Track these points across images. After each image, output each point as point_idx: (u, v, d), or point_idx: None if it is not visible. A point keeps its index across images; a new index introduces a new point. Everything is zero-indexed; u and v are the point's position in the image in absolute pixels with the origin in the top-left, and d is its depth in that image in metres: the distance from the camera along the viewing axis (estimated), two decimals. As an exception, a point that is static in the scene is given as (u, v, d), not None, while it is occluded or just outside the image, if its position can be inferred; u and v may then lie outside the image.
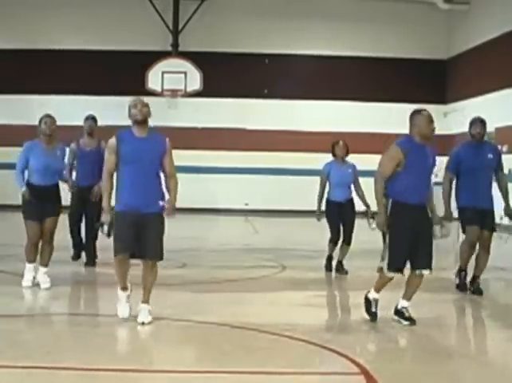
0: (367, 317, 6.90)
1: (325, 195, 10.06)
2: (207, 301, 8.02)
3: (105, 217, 6.64)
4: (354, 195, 10.01)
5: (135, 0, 20.51)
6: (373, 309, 6.87)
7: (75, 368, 5.17)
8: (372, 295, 6.90)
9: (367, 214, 9.43)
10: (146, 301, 6.67)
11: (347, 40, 21.15)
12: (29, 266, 8.42)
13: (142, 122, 6.57)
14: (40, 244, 8.45)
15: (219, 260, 11.34)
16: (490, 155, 8.41)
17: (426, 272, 6.78)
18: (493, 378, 5.36)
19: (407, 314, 6.81)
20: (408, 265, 6.79)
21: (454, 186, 8.49)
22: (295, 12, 20.95)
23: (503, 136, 17.15)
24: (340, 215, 9.91)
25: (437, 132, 21.05)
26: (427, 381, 5.34)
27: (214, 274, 9.87)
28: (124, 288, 6.75)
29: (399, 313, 6.87)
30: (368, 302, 6.91)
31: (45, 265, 8.44)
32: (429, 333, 6.68)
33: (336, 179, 9.91)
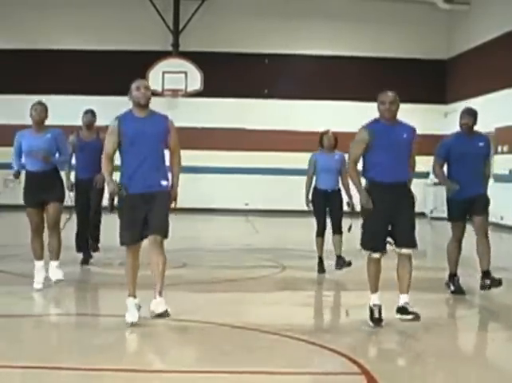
0: (367, 317, 6.89)
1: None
2: (207, 301, 8.01)
3: (111, 187, 6.54)
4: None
5: (136, 0, 20.52)
6: (376, 315, 6.73)
7: (75, 368, 5.17)
8: (372, 301, 6.78)
9: (348, 205, 9.39)
10: (159, 292, 6.60)
11: (347, 40, 21.16)
12: (38, 265, 8.21)
13: (144, 105, 6.62)
14: (46, 239, 8.32)
15: (219, 260, 11.33)
16: (481, 143, 8.37)
17: (406, 251, 6.72)
18: (493, 379, 5.35)
19: (410, 309, 6.73)
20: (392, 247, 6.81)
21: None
22: (295, 12, 20.95)
23: (503, 136, 17.15)
24: (325, 204, 9.76)
25: (437, 132, 21.01)
26: (427, 381, 5.34)
27: (214, 274, 9.86)
28: (133, 295, 6.64)
29: (402, 309, 6.75)
30: (370, 310, 6.79)
31: (56, 258, 8.31)
32: (429, 333, 6.67)
33: (322, 164, 9.78)
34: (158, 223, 6.56)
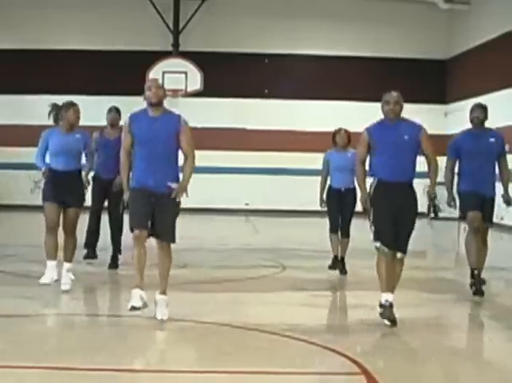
0: (367, 317, 6.87)
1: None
2: (207, 301, 8.01)
3: (126, 195, 6.68)
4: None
5: (136, 0, 20.52)
6: (387, 314, 6.64)
7: (75, 368, 5.17)
8: (384, 298, 6.68)
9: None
10: (163, 291, 6.62)
11: (347, 40, 21.16)
12: (49, 264, 8.13)
13: (156, 104, 6.69)
14: (63, 238, 8.24)
15: (219, 260, 11.32)
16: (492, 139, 8.19)
17: (399, 255, 6.74)
18: (493, 379, 5.36)
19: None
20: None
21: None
22: (295, 12, 20.96)
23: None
24: (339, 203, 9.69)
25: (437, 131, 21.01)
26: (427, 381, 5.34)
27: (214, 274, 9.86)
28: (140, 287, 6.49)
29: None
30: (381, 306, 6.70)
31: (69, 260, 8.21)
32: (429, 333, 6.67)
33: (336, 162, 9.70)
34: (165, 230, 6.59)
